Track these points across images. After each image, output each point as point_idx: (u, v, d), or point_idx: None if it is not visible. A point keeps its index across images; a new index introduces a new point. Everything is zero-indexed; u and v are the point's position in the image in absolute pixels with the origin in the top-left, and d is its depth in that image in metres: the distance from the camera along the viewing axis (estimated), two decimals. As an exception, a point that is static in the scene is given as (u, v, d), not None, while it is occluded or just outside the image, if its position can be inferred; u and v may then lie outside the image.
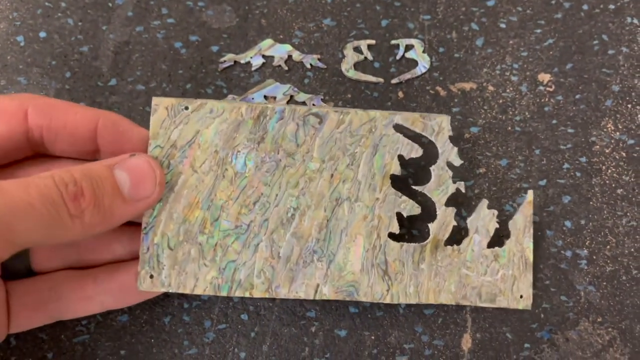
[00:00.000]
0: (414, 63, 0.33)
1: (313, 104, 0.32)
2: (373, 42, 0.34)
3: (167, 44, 0.34)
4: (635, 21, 0.33)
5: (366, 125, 0.28)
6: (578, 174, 0.30)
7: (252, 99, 0.32)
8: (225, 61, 0.33)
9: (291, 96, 0.32)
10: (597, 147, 0.31)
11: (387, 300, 0.26)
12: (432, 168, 0.28)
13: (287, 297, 0.26)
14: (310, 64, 0.33)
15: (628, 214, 0.29)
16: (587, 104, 0.32)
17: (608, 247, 0.29)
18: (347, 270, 0.26)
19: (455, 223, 0.27)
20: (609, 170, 0.30)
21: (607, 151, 0.31)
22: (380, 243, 0.27)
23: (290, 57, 0.33)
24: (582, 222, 0.29)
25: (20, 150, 0.26)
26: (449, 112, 0.32)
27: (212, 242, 0.26)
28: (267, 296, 0.26)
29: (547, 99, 0.32)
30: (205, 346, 0.28)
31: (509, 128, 0.31)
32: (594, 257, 0.29)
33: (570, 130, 0.31)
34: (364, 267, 0.27)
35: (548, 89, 0.32)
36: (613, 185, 0.30)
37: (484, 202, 0.28)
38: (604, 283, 0.28)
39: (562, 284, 0.28)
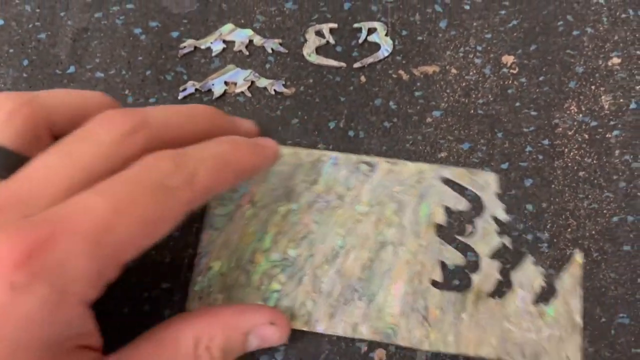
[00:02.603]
0: (376, 47, 0.32)
1: (274, 90, 0.32)
2: (335, 25, 0.33)
3: (126, 30, 0.33)
4: (601, 1, 0.33)
5: (414, 176, 0.29)
6: (540, 157, 0.30)
7: (212, 85, 0.32)
8: (185, 47, 0.33)
9: (252, 82, 0.32)
10: (560, 129, 0.30)
11: (426, 348, 0.27)
12: (477, 221, 0.29)
13: (325, 332, 0.27)
14: (272, 49, 0.33)
15: (589, 196, 0.29)
16: (551, 86, 0.31)
17: (569, 230, 0.29)
18: (386, 312, 0.27)
19: (499, 276, 0.28)
20: (572, 153, 0.30)
21: (569, 133, 0.30)
22: (422, 288, 0.27)
23: (251, 41, 0.33)
24: (544, 205, 0.29)
25: None
26: (412, 96, 0.31)
27: (260, 271, 0.28)
28: (306, 329, 0.27)
29: (510, 81, 0.31)
30: (165, 335, 0.28)
31: (472, 111, 0.31)
32: (555, 241, 0.29)
33: (533, 113, 0.31)
34: (403, 311, 0.27)
35: (512, 71, 0.32)
36: (575, 167, 0.30)
37: (529, 258, 0.28)
38: (565, 266, 0.28)
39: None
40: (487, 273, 0.28)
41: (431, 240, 0.28)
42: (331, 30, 0.33)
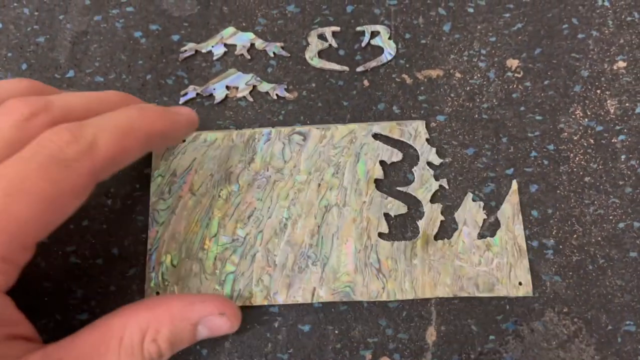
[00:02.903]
0: (379, 50, 0.32)
1: (276, 94, 0.31)
2: (338, 29, 0.33)
3: (126, 33, 0.33)
4: (607, 3, 0.33)
5: (347, 137, 0.30)
6: (545, 162, 0.30)
7: (214, 89, 0.31)
8: (186, 50, 0.32)
9: (254, 86, 0.32)
10: (565, 134, 0.30)
11: (384, 298, 0.27)
12: (414, 169, 0.29)
13: (285, 302, 0.27)
14: (274, 52, 0.32)
15: (595, 202, 0.29)
16: (556, 90, 0.31)
17: (575, 236, 0.28)
18: (341, 272, 0.28)
19: (442, 218, 0.29)
20: (577, 158, 0.30)
21: (575, 138, 0.30)
22: (372, 243, 0.28)
23: (252, 45, 0.32)
24: (549, 211, 0.29)
25: None
26: (415, 100, 0.31)
27: (212, 256, 0.28)
28: (266, 303, 0.28)
29: (515, 86, 0.31)
30: (167, 344, 0.27)
31: (476, 116, 0.31)
32: (561, 247, 0.28)
33: (538, 117, 0.31)
34: (357, 268, 0.28)
35: (516, 75, 0.31)
36: (581, 173, 0.29)
37: (469, 196, 0.29)
38: (570, 273, 0.28)
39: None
40: (431, 217, 0.29)
41: (373, 196, 0.29)
42: (334, 34, 0.33)
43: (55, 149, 0.21)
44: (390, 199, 0.29)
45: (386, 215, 0.29)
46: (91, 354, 0.22)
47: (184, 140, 0.30)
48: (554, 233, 0.29)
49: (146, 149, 0.24)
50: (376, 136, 0.30)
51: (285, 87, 0.31)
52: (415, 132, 0.30)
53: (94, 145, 0.21)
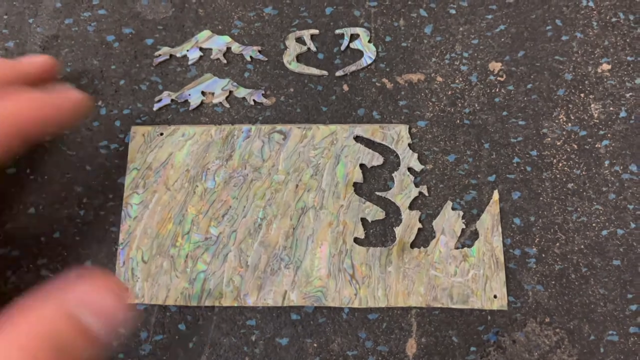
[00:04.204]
0: (359, 54, 0.31)
1: (254, 100, 0.30)
2: (317, 31, 0.32)
3: (98, 37, 0.32)
4: (591, 4, 0.32)
5: (328, 138, 0.29)
6: (528, 169, 0.29)
7: (189, 95, 0.31)
8: (160, 55, 0.31)
9: (230, 91, 0.31)
10: (549, 139, 0.30)
11: (356, 305, 0.27)
12: (394, 174, 0.29)
13: (256, 304, 0.27)
14: (251, 57, 0.31)
15: (578, 209, 0.28)
16: (539, 94, 0.30)
17: (557, 244, 0.28)
18: (314, 276, 0.27)
19: (420, 225, 0.28)
20: (560, 164, 0.29)
21: (558, 143, 0.29)
22: (347, 248, 0.28)
23: (229, 49, 0.32)
24: (532, 218, 0.28)
25: None
26: (396, 105, 0.30)
27: (183, 254, 0.28)
28: (236, 304, 0.27)
29: (497, 90, 0.30)
30: (142, 359, 0.27)
31: (458, 121, 0.30)
32: (543, 256, 0.28)
33: (521, 122, 0.30)
34: (330, 272, 0.27)
35: (499, 78, 0.31)
36: (564, 179, 0.29)
37: (449, 204, 0.28)
38: (553, 282, 0.27)
39: (510, 284, 0.27)
40: (409, 224, 0.28)
41: (351, 200, 0.29)
42: (312, 37, 0.32)
43: None
44: (368, 203, 0.29)
45: (363, 220, 0.28)
46: None
47: (161, 134, 0.29)
48: (536, 241, 0.28)
49: (23, 140, 0.22)
50: (357, 139, 0.30)
51: (263, 92, 0.31)
52: (397, 136, 0.30)
53: None
